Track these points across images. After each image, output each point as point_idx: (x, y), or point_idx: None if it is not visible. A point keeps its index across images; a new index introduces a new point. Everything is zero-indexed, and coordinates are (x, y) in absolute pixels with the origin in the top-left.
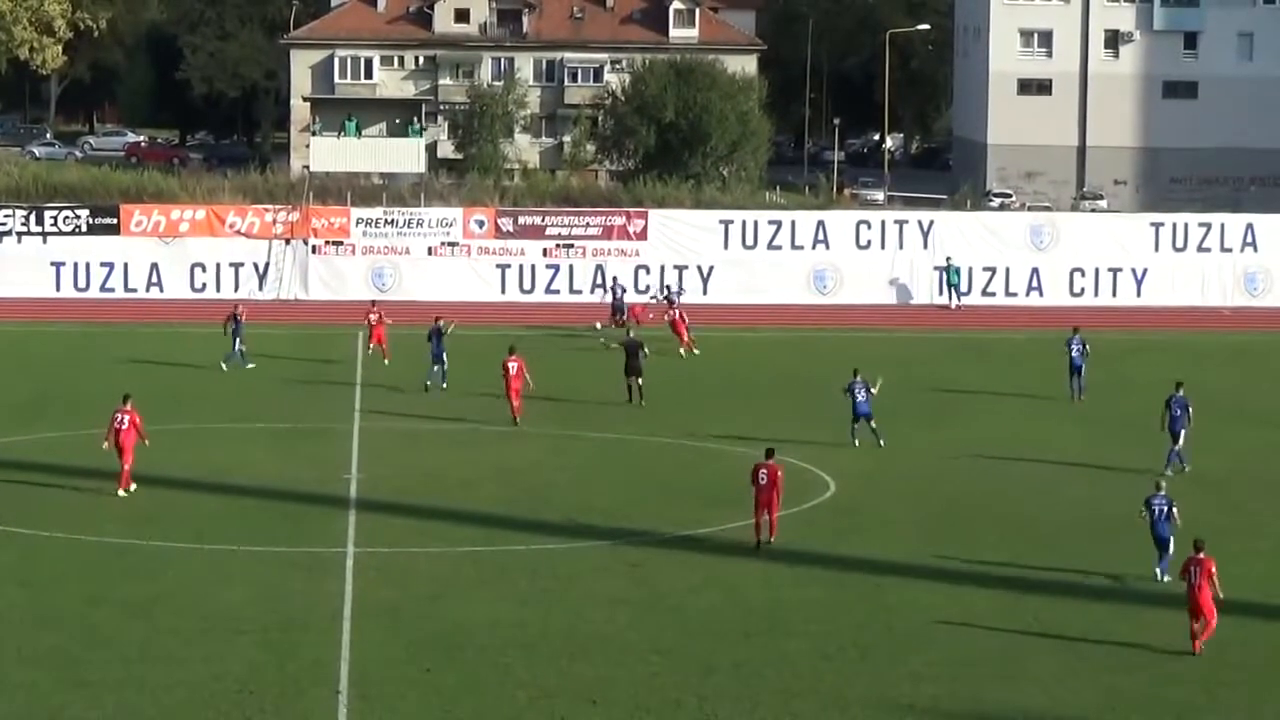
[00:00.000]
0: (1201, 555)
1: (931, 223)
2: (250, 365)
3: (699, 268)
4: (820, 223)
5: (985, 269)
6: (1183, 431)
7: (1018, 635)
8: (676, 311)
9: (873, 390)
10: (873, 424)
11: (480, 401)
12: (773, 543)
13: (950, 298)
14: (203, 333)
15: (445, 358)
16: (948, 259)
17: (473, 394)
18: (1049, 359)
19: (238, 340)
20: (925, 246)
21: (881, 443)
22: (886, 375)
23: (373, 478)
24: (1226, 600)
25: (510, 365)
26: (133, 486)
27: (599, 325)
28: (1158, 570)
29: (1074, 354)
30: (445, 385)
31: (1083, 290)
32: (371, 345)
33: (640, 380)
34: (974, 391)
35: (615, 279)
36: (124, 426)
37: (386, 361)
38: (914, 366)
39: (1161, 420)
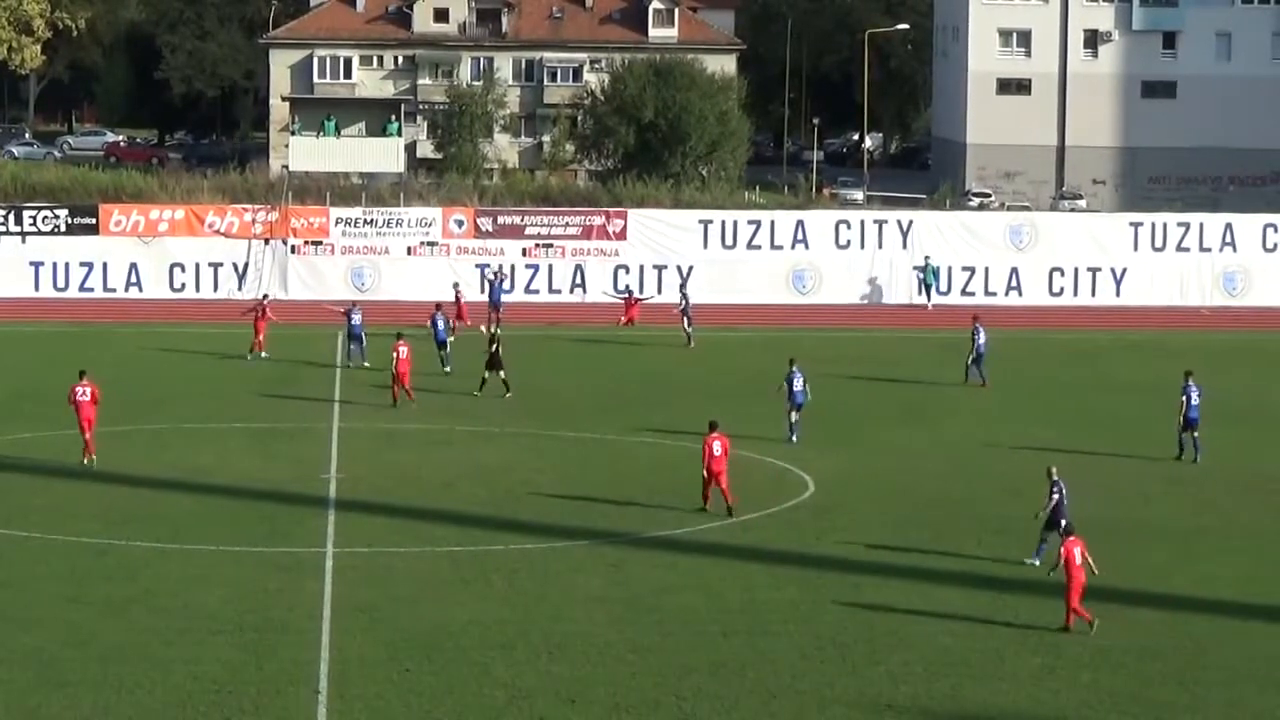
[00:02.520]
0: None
1: (911, 222)
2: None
3: (678, 267)
4: (799, 222)
5: (964, 269)
6: (1197, 420)
7: (997, 634)
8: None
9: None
10: (798, 416)
11: (460, 402)
12: (733, 509)
13: (926, 297)
14: (181, 332)
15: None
16: (926, 259)
17: (451, 394)
18: (1025, 358)
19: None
20: (904, 246)
21: (794, 438)
22: (865, 374)
23: (352, 478)
24: (1205, 599)
25: (401, 350)
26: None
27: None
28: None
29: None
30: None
31: (1062, 290)
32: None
33: (503, 373)
34: (952, 391)
35: (498, 270)
36: (85, 399)
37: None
38: (893, 366)
39: (1178, 409)
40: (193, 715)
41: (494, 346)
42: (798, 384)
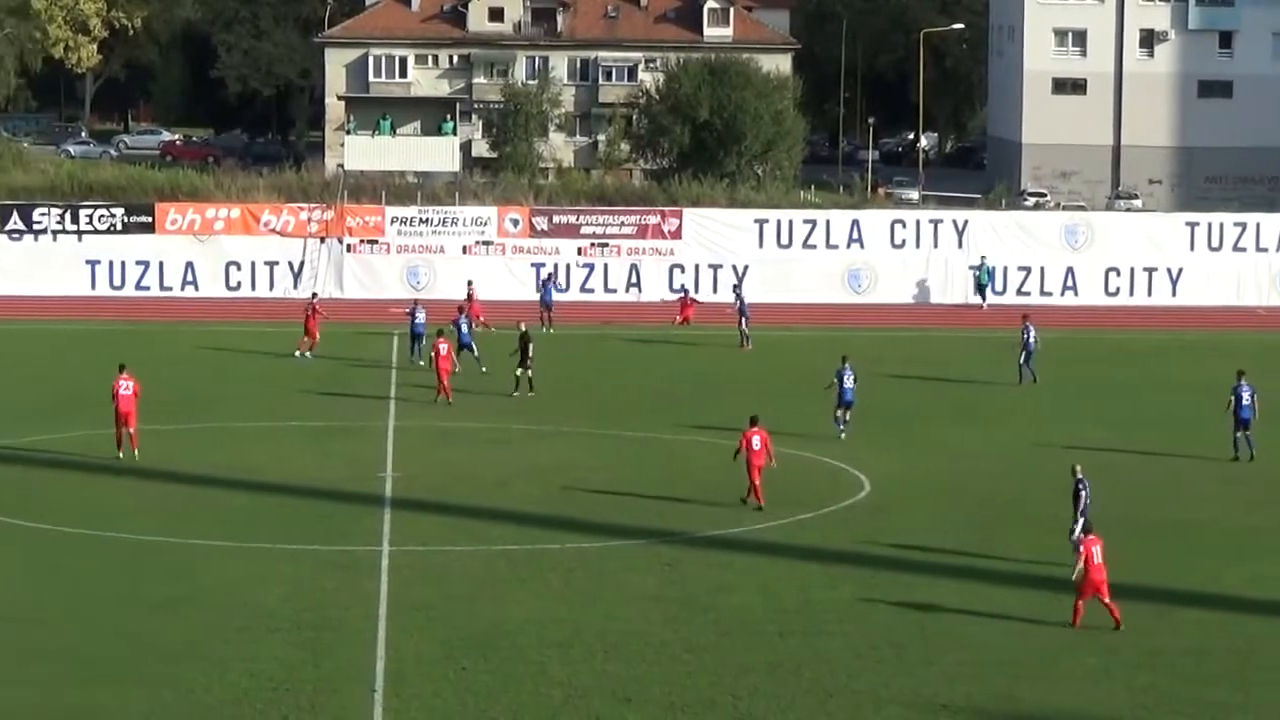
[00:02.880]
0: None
1: (966, 222)
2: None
3: (734, 267)
4: (855, 222)
5: (1020, 268)
6: (1250, 419)
7: (1052, 634)
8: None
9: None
10: (848, 414)
11: (513, 401)
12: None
13: (982, 297)
14: (237, 331)
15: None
16: (981, 258)
17: (507, 393)
18: (1080, 358)
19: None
20: (960, 246)
21: (843, 435)
22: (920, 373)
23: (408, 476)
24: (1258, 600)
25: (442, 347)
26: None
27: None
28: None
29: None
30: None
31: (1118, 290)
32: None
33: (530, 372)
34: (1007, 391)
35: (550, 275)
36: (127, 392)
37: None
38: (947, 365)
39: (1228, 406)
40: (249, 713)
41: (526, 345)
42: (848, 381)
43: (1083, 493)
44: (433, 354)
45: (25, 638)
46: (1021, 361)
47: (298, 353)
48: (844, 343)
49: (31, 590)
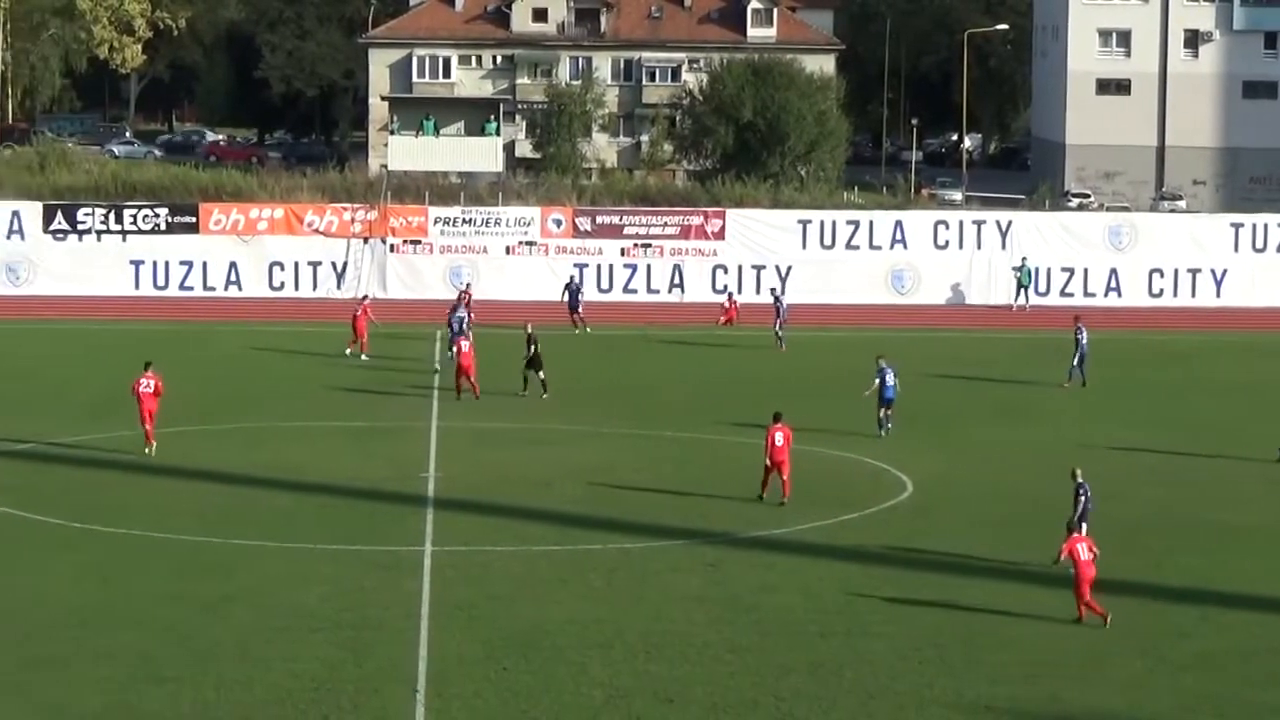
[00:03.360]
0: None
1: (1010, 223)
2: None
3: (777, 267)
4: (898, 223)
5: (1063, 269)
6: None
7: (1096, 636)
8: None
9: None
10: (890, 411)
11: (556, 401)
12: (786, 502)
13: (1021, 298)
14: (280, 331)
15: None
16: (1022, 259)
17: (550, 392)
18: (1124, 359)
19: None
20: (1003, 247)
21: (883, 433)
22: (963, 374)
23: (450, 476)
24: None
25: (463, 345)
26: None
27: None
28: None
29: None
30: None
31: (1161, 291)
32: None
33: (541, 373)
34: (1051, 392)
35: (572, 278)
36: (148, 390)
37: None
38: (990, 366)
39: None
40: (291, 713)
41: (532, 347)
42: (889, 379)
43: (1082, 497)
44: (453, 350)
45: (90, 640)
46: (1075, 363)
47: (348, 350)
48: (886, 344)
49: (90, 592)
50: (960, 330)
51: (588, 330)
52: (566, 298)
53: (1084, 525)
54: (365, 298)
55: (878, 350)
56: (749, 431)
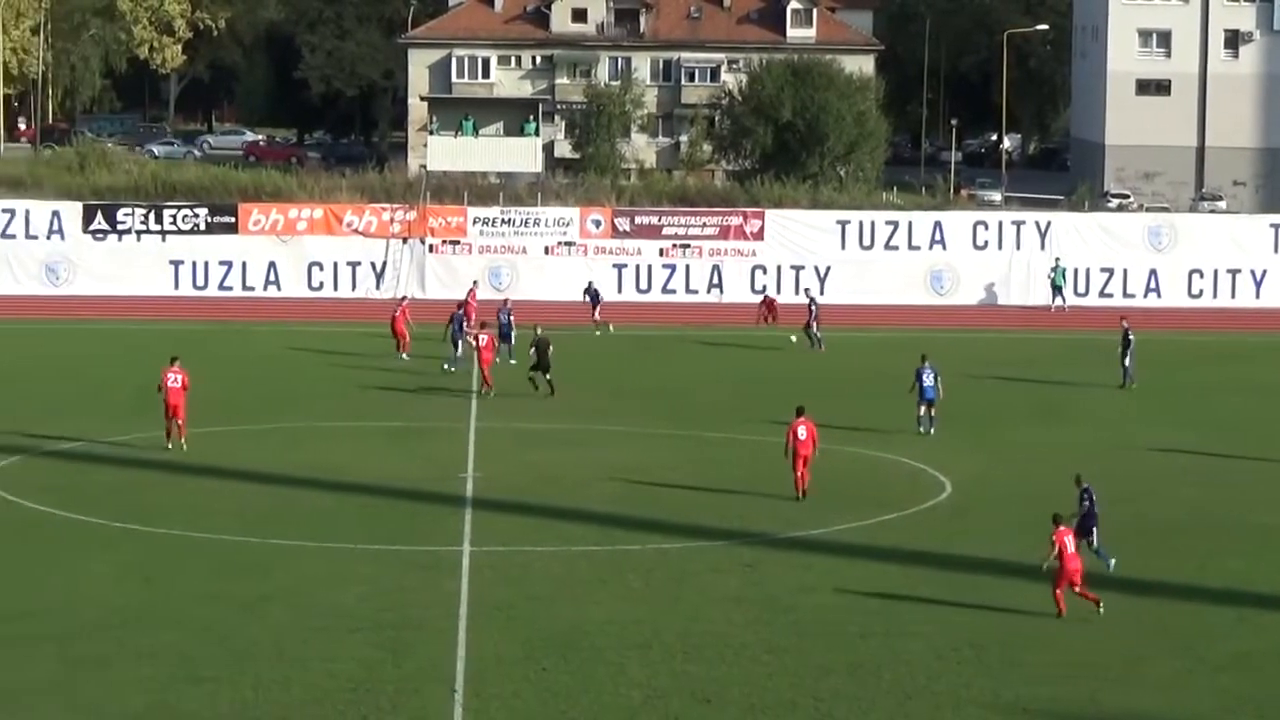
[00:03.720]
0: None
1: (1049, 224)
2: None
3: (815, 268)
4: (937, 223)
5: (1102, 270)
6: None
7: (1134, 637)
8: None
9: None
10: (933, 411)
11: (596, 401)
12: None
13: (1058, 299)
14: (319, 331)
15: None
16: (1056, 260)
17: (588, 393)
18: (1163, 360)
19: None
20: (1042, 248)
21: (931, 431)
22: (1002, 375)
23: (489, 477)
24: None
25: (482, 338)
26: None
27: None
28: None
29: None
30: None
31: (1201, 292)
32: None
33: (549, 375)
34: (1090, 393)
35: (590, 281)
36: (175, 384)
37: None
38: (1029, 367)
39: None
40: (330, 713)
41: (541, 348)
42: (928, 379)
43: (1086, 502)
44: (473, 345)
45: (130, 640)
46: (1126, 363)
47: (404, 355)
48: (925, 344)
49: (130, 593)
50: (999, 331)
51: (610, 329)
52: (587, 299)
53: (1094, 531)
54: (404, 299)
55: (917, 351)
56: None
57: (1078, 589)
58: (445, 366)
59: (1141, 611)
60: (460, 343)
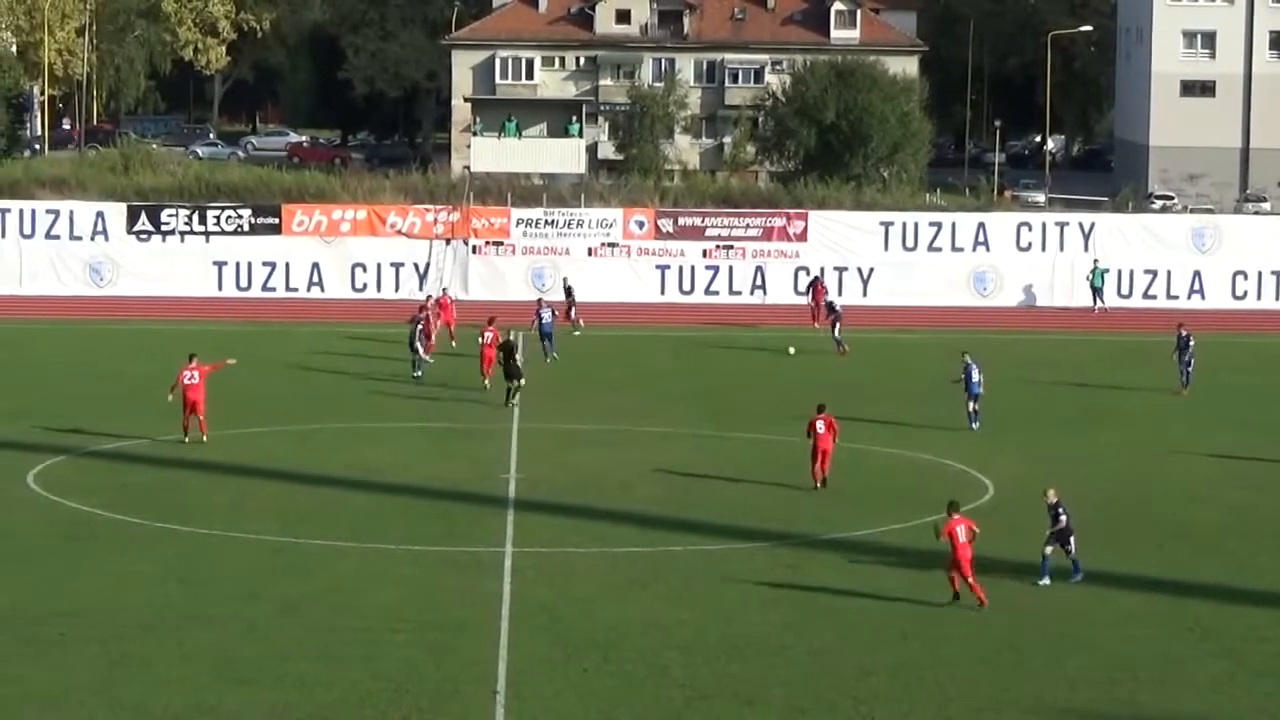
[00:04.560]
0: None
1: (1092, 225)
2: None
3: (859, 269)
4: (981, 224)
5: (1146, 271)
6: None
7: (1176, 640)
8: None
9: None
10: (977, 406)
11: (638, 403)
12: (823, 486)
13: (1101, 301)
14: (362, 332)
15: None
16: (1095, 262)
17: (630, 395)
18: (1207, 362)
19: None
20: (1086, 249)
21: (975, 425)
22: (1044, 377)
23: (531, 478)
24: None
25: (487, 334)
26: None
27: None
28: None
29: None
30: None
31: (1245, 293)
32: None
33: (520, 382)
34: (1131, 395)
35: (565, 278)
36: (194, 381)
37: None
38: (1071, 369)
39: None
40: (371, 714)
41: (511, 354)
42: (974, 375)
43: (1063, 517)
44: (479, 339)
45: (171, 639)
46: (1188, 365)
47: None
48: (969, 345)
49: (171, 593)
50: (1042, 332)
51: (582, 326)
52: (564, 298)
53: (1071, 543)
54: (429, 297)
55: (960, 352)
56: None
57: (969, 579)
58: (416, 375)
59: (1183, 614)
60: (420, 347)
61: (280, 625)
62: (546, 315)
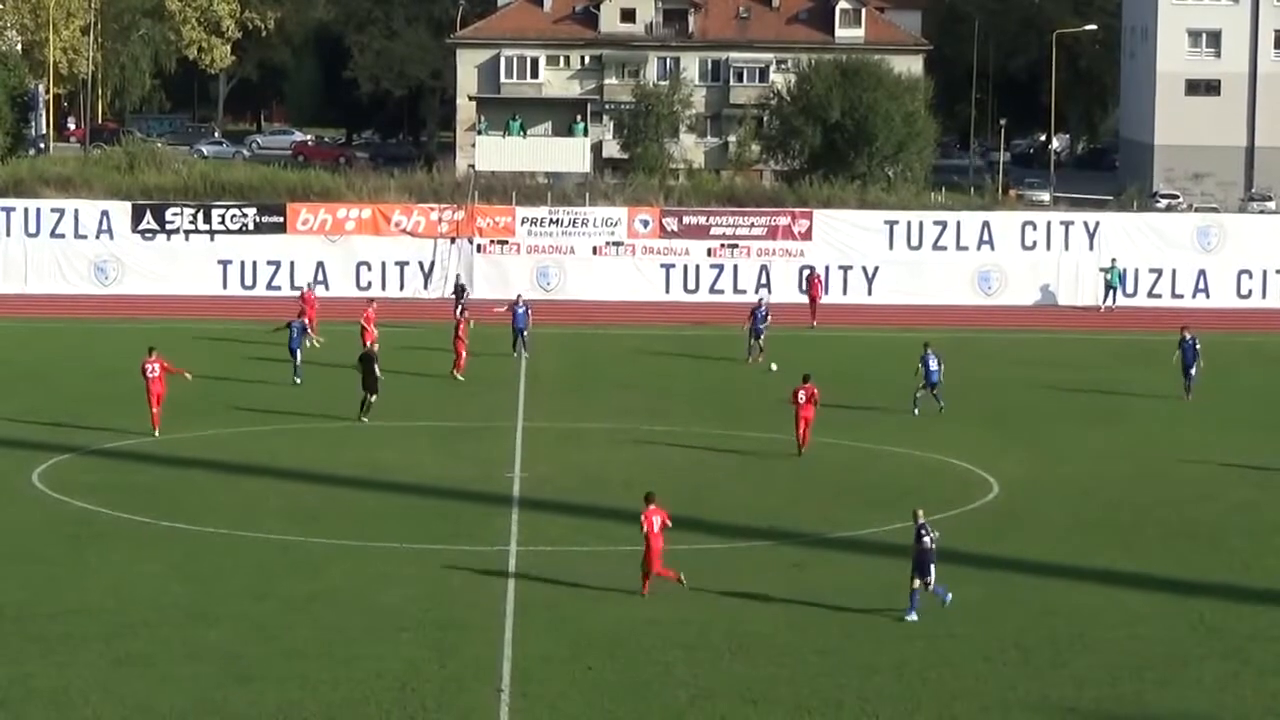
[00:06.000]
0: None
1: (1097, 224)
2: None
3: (863, 268)
4: (985, 223)
5: (1151, 270)
6: None
7: (1182, 639)
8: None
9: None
10: (936, 392)
11: (643, 402)
12: (802, 453)
13: (1107, 299)
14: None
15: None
16: (1111, 260)
17: (634, 394)
18: (1212, 361)
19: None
20: (1091, 248)
21: (942, 406)
22: (1049, 376)
23: (535, 476)
24: None
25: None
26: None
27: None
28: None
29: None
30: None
31: (1250, 292)
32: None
33: (375, 397)
34: (1137, 394)
35: (458, 275)
36: (154, 374)
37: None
38: (1078, 368)
39: None
40: (376, 712)
41: (369, 364)
42: (933, 364)
43: (925, 538)
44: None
45: (177, 638)
46: (1194, 371)
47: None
48: (974, 344)
49: (177, 591)
50: (1047, 331)
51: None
52: (453, 295)
53: (930, 569)
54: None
55: (965, 351)
56: (833, 432)
57: (657, 570)
58: (296, 380)
59: (1189, 613)
60: (300, 352)
61: (286, 624)
62: (520, 310)
